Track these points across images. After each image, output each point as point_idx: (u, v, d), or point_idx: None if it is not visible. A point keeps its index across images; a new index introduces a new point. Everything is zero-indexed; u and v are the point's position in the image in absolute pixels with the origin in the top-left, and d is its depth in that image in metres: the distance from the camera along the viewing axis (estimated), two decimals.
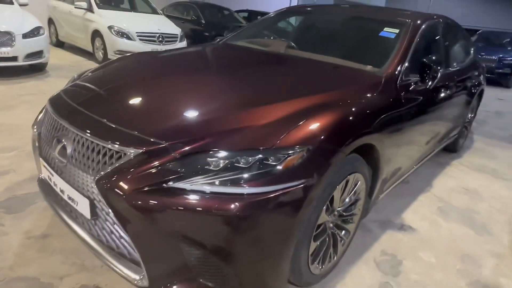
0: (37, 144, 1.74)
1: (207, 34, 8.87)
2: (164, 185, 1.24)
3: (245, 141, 1.32)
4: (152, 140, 1.31)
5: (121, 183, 1.25)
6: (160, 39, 6.71)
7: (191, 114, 1.49)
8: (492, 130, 5.24)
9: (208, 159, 1.27)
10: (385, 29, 2.43)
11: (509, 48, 11.29)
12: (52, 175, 1.56)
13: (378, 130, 1.72)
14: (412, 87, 2.13)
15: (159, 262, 1.31)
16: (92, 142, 1.38)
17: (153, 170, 1.26)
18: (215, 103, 1.58)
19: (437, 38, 2.75)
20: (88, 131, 1.41)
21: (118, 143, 1.32)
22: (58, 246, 1.84)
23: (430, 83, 2.20)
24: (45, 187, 1.73)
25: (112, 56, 6.26)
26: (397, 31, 2.38)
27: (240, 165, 1.26)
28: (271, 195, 1.25)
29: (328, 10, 3.24)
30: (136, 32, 6.44)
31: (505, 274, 2.03)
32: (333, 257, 1.78)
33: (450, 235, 2.36)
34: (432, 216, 2.56)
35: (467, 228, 2.47)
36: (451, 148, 3.79)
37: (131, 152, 1.29)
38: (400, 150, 2.08)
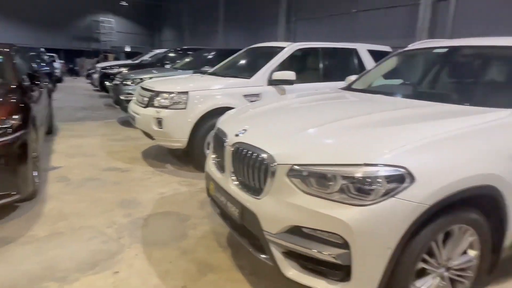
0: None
1: None
2: None
3: None
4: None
5: None
6: None
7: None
8: (62, 117, 7.61)
9: None
10: None
11: (37, 61, 13.92)
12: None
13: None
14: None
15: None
16: None
17: None
18: None
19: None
20: None
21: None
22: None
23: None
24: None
25: None
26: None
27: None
28: None
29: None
30: None
31: (113, 163, 4.46)
32: None
33: (84, 163, 4.46)
34: (68, 159, 4.54)
35: (84, 158, 4.68)
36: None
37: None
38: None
